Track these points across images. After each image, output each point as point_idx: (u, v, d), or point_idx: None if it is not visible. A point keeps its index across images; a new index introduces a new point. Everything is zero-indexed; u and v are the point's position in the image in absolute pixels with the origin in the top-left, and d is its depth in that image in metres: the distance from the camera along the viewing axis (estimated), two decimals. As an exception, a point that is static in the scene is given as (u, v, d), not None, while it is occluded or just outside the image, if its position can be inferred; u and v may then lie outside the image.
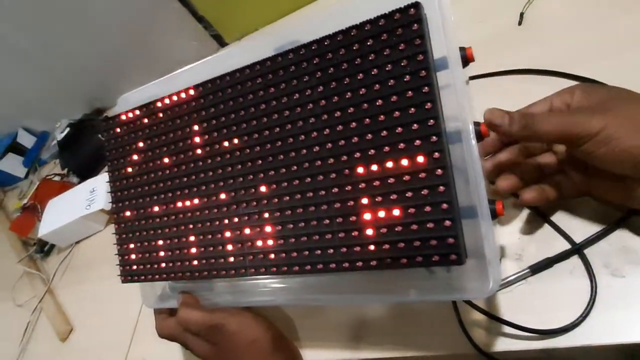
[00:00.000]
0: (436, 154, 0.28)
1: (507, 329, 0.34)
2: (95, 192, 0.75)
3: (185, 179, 0.40)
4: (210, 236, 0.39)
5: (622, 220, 0.33)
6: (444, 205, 0.27)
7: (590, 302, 0.32)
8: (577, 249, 0.34)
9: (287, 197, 0.34)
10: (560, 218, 0.36)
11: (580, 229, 0.35)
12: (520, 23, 0.49)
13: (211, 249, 0.39)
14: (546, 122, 0.30)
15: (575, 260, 0.34)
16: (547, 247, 0.35)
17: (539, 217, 0.37)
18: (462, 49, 0.30)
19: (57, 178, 0.93)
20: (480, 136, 0.30)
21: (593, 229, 0.34)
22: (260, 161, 0.35)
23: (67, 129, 0.92)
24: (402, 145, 0.29)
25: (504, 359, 0.34)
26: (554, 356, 0.33)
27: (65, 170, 0.93)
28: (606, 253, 0.33)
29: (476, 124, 0.30)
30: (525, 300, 0.34)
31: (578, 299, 0.32)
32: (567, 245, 0.34)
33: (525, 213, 0.38)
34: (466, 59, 0.30)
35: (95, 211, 0.72)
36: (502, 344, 0.34)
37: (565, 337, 0.32)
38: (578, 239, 0.34)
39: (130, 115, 0.44)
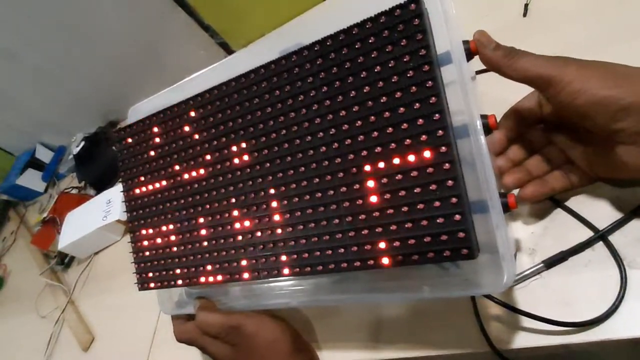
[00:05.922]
0: (443, 148, 0.27)
1: (529, 325, 0.33)
2: (111, 204, 0.76)
3: (195, 184, 0.41)
4: (222, 240, 0.39)
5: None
6: (453, 200, 0.27)
7: (621, 291, 0.31)
8: (602, 236, 0.33)
9: (296, 199, 0.34)
10: (576, 209, 0.35)
11: (596, 220, 0.34)
12: (525, 14, 0.48)
13: (224, 253, 0.39)
14: (528, 58, 0.30)
15: (589, 252, 0.33)
16: (562, 241, 0.35)
17: (558, 207, 0.36)
18: (465, 42, 0.30)
19: (74, 191, 0.95)
20: (488, 129, 0.29)
21: (609, 219, 0.33)
22: (268, 164, 0.36)
23: (83, 143, 0.94)
24: (408, 141, 0.29)
25: (523, 356, 0.33)
26: (574, 352, 0.32)
27: (82, 183, 0.95)
28: (621, 244, 0.32)
29: (483, 116, 0.29)
30: (541, 295, 0.33)
31: (597, 291, 0.31)
32: (583, 237, 0.34)
33: (540, 205, 0.37)
34: (470, 52, 0.30)
35: (112, 222, 0.73)
36: (524, 340, 0.33)
37: (596, 330, 0.30)
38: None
39: (141, 125, 0.44)
